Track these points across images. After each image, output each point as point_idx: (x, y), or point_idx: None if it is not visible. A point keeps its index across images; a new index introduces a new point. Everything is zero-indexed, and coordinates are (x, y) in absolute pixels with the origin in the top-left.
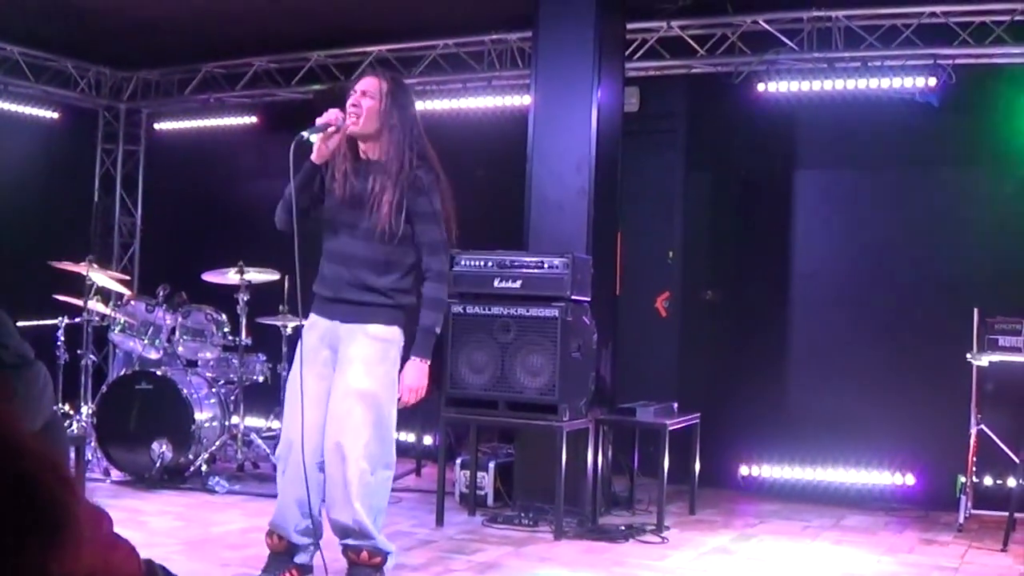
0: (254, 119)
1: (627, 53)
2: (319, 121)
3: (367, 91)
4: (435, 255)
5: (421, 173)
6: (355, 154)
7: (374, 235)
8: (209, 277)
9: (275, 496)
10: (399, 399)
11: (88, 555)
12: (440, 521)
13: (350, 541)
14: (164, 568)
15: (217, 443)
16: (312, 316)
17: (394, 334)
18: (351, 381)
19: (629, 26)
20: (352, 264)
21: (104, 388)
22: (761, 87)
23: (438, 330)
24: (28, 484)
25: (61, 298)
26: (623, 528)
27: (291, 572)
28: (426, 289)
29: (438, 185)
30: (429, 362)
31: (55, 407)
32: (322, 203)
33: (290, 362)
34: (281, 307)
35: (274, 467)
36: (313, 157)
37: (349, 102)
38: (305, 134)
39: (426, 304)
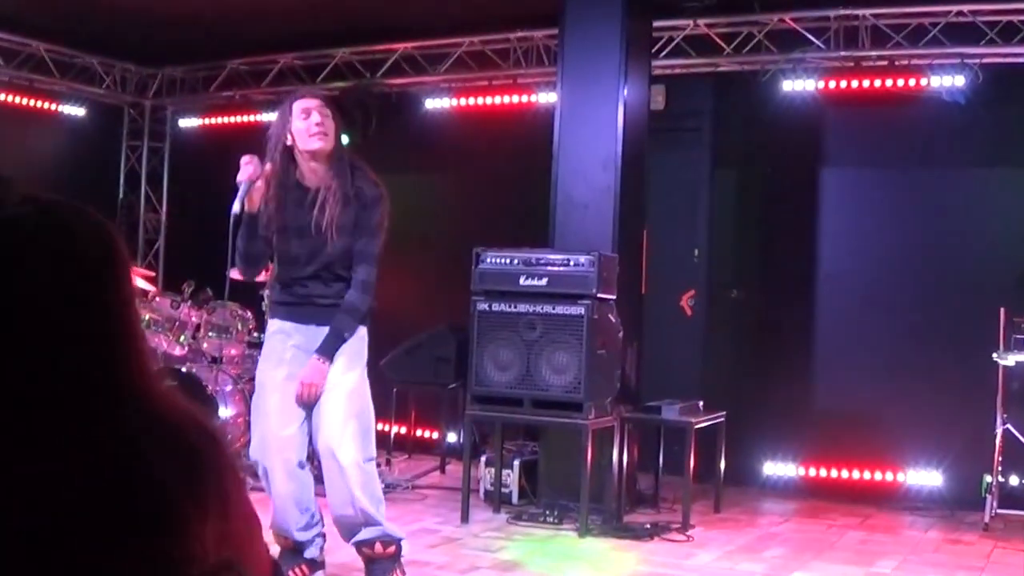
0: None
1: (653, 51)
2: (241, 180)
3: (321, 110)
4: (365, 265)
5: (364, 187)
6: (292, 182)
7: (325, 252)
8: (234, 274)
9: None
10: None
11: (238, 528)
12: (465, 518)
13: (361, 536)
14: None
15: (242, 440)
16: (277, 321)
17: (363, 332)
18: (332, 378)
19: (655, 24)
20: (310, 280)
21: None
22: (787, 85)
23: (347, 336)
24: (200, 458)
25: None
26: (648, 526)
27: (301, 568)
28: (348, 295)
29: (380, 199)
30: (329, 365)
31: None
32: (267, 238)
33: None
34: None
35: None
36: (248, 209)
37: (312, 121)
38: (236, 207)
39: (344, 308)
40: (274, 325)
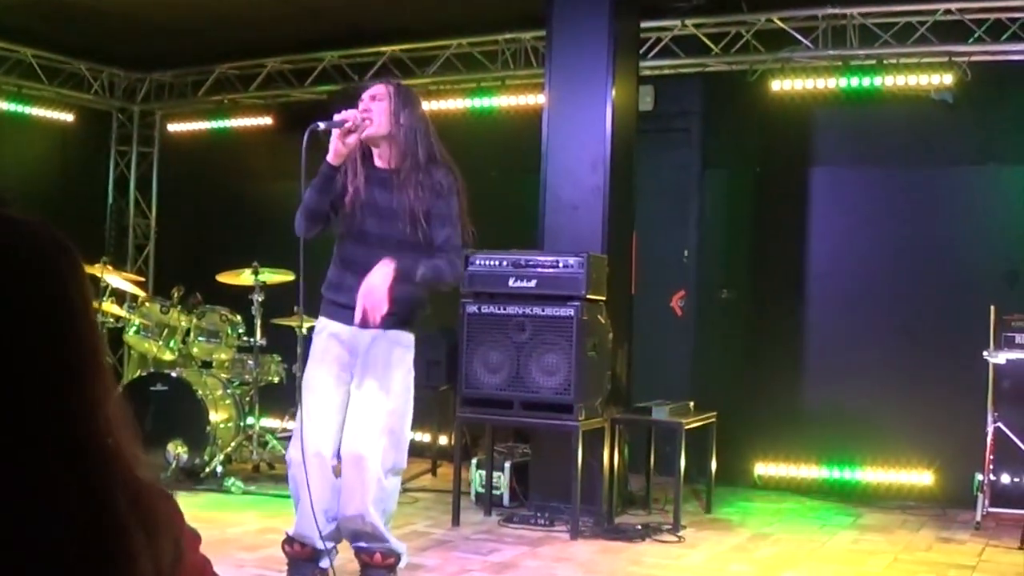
0: (268, 120)
1: (641, 52)
2: (336, 117)
3: (375, 94)
4: (448, 253)
5: (440, 176)
6: (370, 162)
7: (394, 245)
8: (224, 278)
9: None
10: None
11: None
12: (456, 521)
13: (363, 544)
14: None
15: (232, 444)
16: (325, 320)
17: (411, 340)
18: (370, 387)
19: (643, 24)
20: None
21: (119, 390)
22: (776, 85)
23: (418, 275)
24: (145, 502)
25: None
26: (639, 527)
27: None
28: (434, 257)
29: (456, 187)
30: (394, 276)
31: None
32: (338, 210)
33: (305, 362)
34: (296, 308)
35: None
36: (330, 158)
37: (360, 107)
38: (321, 125)
39: (433, 258)
40: (321, 324)
